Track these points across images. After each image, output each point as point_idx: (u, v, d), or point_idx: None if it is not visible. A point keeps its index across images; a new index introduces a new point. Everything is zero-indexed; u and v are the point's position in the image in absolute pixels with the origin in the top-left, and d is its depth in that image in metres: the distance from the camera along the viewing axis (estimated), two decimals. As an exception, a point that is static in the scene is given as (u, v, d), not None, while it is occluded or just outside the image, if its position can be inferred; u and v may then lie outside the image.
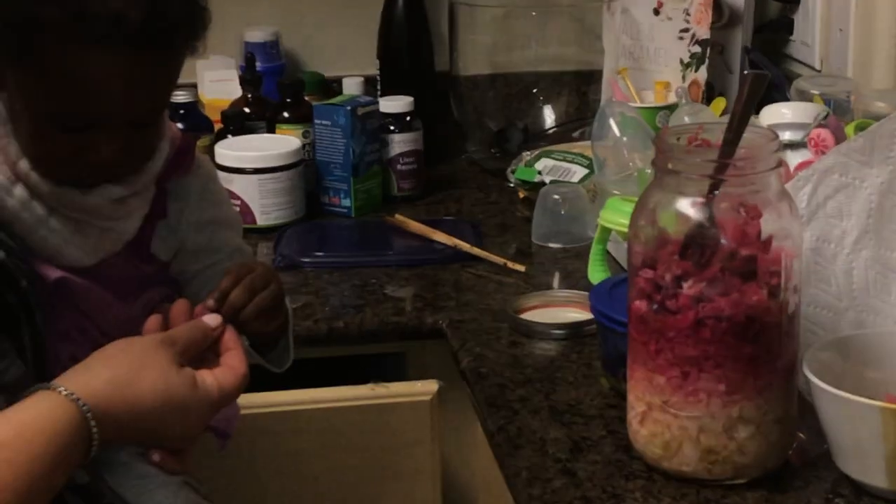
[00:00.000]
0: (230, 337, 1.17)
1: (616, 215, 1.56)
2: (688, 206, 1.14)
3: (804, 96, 1.82)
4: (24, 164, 1.18)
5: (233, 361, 1.15)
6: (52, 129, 1.15)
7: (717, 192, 1.13)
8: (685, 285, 1.14)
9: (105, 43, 1.11)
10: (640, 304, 1.16)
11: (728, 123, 1.13)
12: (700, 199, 1.14)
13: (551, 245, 1.81)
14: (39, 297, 1.16)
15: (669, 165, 1.15)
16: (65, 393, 1.01)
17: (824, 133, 1.58)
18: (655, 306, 1.15)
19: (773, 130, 1.19)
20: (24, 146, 1.17)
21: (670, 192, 1.16)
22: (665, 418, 1.17)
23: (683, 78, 2.05)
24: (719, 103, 1.90)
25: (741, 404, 1.14)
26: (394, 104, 1.99)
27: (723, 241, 1.13)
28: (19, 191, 1.18)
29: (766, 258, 1.14)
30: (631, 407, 1.20)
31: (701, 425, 1.15)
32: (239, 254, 1.36)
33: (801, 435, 1.21)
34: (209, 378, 1.11)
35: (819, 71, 2.03)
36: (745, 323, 1.13)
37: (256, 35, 2.17)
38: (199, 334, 1.15)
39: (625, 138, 1.76)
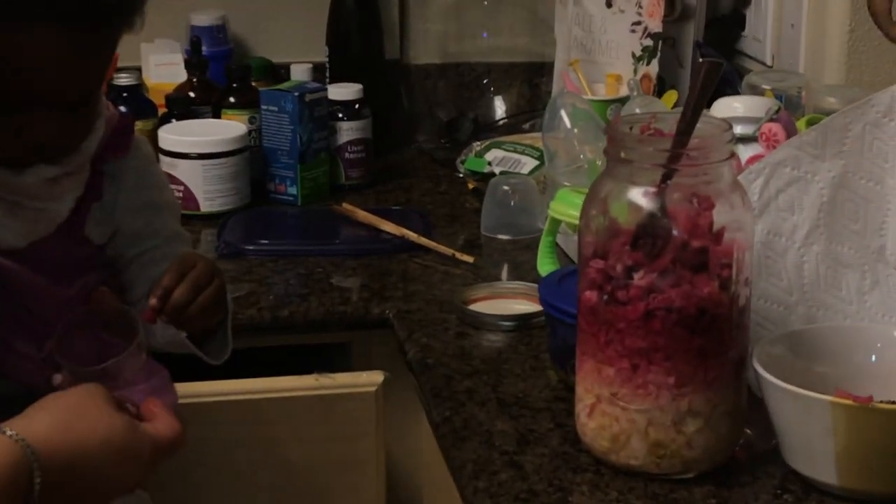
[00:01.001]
0: (155, 405, 1.14)
1: (567, 207, 1.54)
2: (639, 196, 1.13)
3: (756, 91, 1.81)
4: None
5: (166, 419, 1.12)
6: None
7: (669, 182, 1.12)
8: (636, 276, 1.12)
9: (38, 21, 1.08)
10: (590, 295, 1.15)
11: (682, 112, 1.11)
12: (652, 189, 1.12)
13: (500, 236, 1.79)
14: None
15: (622, 154, 1.13)
16: (9, 434, 1.00)
17: (775, 127, 1.57)
18: (606, 297, 1.13)
19: (726, 121, 1.18)
20: None
21: (622, 181, 1.14)
22: (614, 411, 1.15)
23: (635, 71, 2.04)
24: (671, 96, 1.89)
25: (690, 397, 1.13)
26: (343, 91, 1.97)
27: (674, 231, 1.12)
28: None
29: (718, 250, 1.12)
30: (579, 399, 1.19)
31: (650, 418, 1.14)
32: (177, 239, 1.33)
33: (747, 431, 1.20)
34: (148, 427, 1.10)
35: (770, 66, 2.03)
36: (696, 315, 1.11)
37: (203, 18, 2.13)
38: None
39: (576, 130, 1.75)
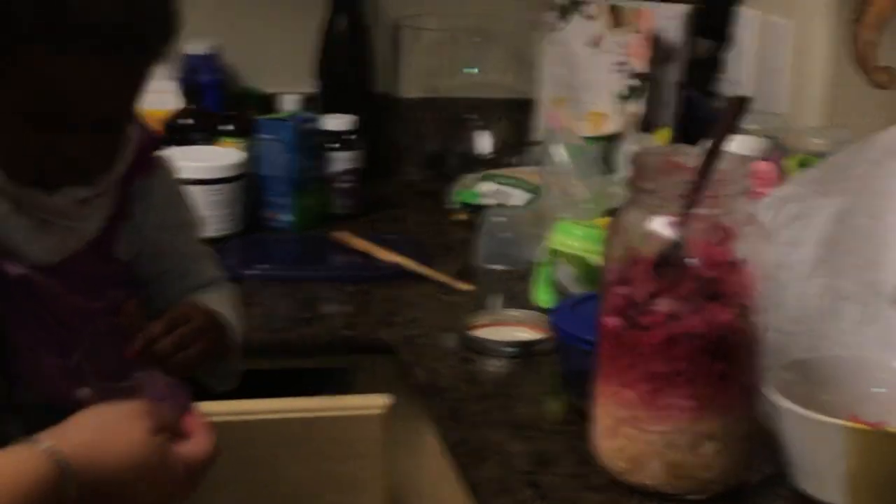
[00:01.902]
0: (197, 420, 1.16)
1: (566, 237, 1.58)
2: (661, 225, 1.17)
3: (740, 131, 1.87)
4: None
5: (202, 438, 1.14)
6: (22, 129, 1.13)
7: (690, 213, 1.16)
8: (658, 302, 1.16)
9: (82, 49, 1.11)
10: (612, 320, 1.18)
11: (708, 146, 1.15)
12: (674, 219, 1.16)
13: (493, 267, 1.82)
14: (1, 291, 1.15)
15: (646, 184, 1.17)
16: (45, 446, 1.00)
17: (766, 166, 1.63)
18: (628, 322, 1.17)
19: (744, 155, 1.22)
20: None
21: (645, 210, 1.18)
22: (632, 433, 1.18)
23: (619, 110, 2.09)
24: (664, 133, 1.94)
25: (708, 421, 1.17)
26: (336, 122, 2.00)
27: (695, 261, 1.16)
28: None
29: (737, 279, 1.16)
30: (597, 421, 1.22)
31: (668, 441, 1.17)
32: (198, 256, 1.36)
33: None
34: (182, 449, 1.11)
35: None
36: (717, 341, 1.15)
37: (197, 47, 2.15)
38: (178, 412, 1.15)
39: (569, 165, 1.79)
